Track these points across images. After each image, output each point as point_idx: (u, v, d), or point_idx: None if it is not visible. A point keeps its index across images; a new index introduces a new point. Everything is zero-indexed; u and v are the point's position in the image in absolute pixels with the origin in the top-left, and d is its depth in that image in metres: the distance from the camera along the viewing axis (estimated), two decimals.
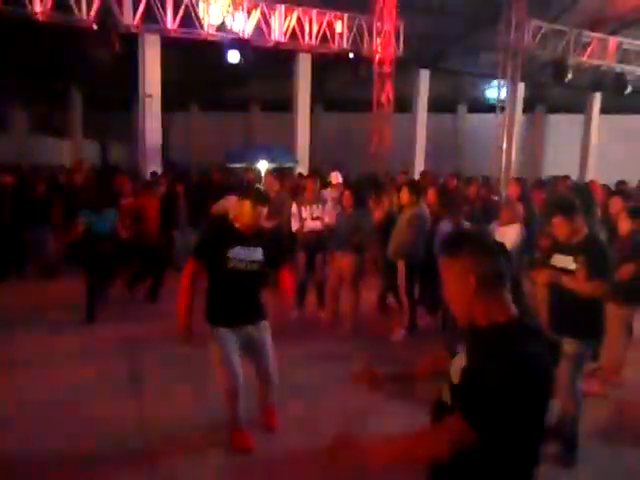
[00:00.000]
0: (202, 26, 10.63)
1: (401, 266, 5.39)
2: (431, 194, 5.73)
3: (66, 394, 4.03)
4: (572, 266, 3.17)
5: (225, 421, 3.32)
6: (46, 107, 19.43)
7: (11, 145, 17.40)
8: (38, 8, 9.39)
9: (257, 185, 3.51)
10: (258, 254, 3.16)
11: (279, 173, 7.24)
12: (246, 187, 3.88)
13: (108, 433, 3.49)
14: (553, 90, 16.95)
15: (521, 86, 13.62)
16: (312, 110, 14.45)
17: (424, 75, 16.26)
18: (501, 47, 12.12)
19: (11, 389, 4.09)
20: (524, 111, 15.53)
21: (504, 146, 12.32)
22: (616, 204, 5.08)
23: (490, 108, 13.85)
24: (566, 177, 11.10)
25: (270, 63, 12.83)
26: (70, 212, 7.87)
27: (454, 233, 2.03)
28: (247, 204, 3.09)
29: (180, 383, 4.23)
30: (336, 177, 7.64)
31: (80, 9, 9.61)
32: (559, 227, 3.28)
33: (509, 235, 5.26)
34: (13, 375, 4.35)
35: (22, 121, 19.39)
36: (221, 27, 10.77)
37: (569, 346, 3.19)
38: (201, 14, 10.55)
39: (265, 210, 3.16)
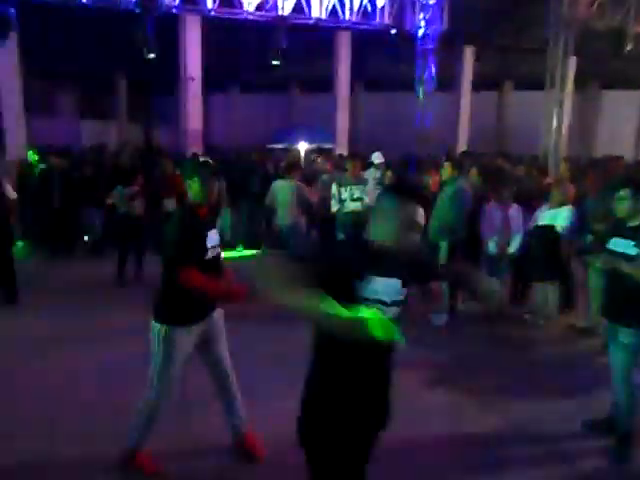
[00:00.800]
0: (242, 5, 10.54)
1: (444, 246, 5.22)
2: (473, 173, 5.52)
3: (113, 369, 4.14)
4: (632, 251, 2.96)
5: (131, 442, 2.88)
6: (93, 91, 19.95)
7: (60, 128, 17.98)
8: None
9: (205, 159, 3.09)
10: (217, 235, 2.86)
11: (326, 153, 7.12)
12: (193, 163, 3.28)
13: None
14: (609, 64, 15.96)
15: (573, 60, 12.88)
16: (353, 90, 14.22)
17: (469, 51, 15.65)
18: (553, 18, 11.46)
19: (59, 364, 4.25)
20: (576, 87, 14.73)
21: (554, 124, 11.74)
22: None
23: (539, 85, 13.21)
24: (619, 157, 10.52)
25: (310, 42, 12.65)
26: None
27: (389, 187, 2.49)
28: (196, 182, 2.72)
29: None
30: (379, 157, 7.51)
31: None
32: (623, 202, 3.04)
33: (560, 217, 5.03)
34: (62, 350, 4.51)
35: (70, 105, 19.98)
36: (261, 6, 10.65)
37: (625, 335, 3.00)
38: None
39: (216, 186, 2.82)
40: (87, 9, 9.97)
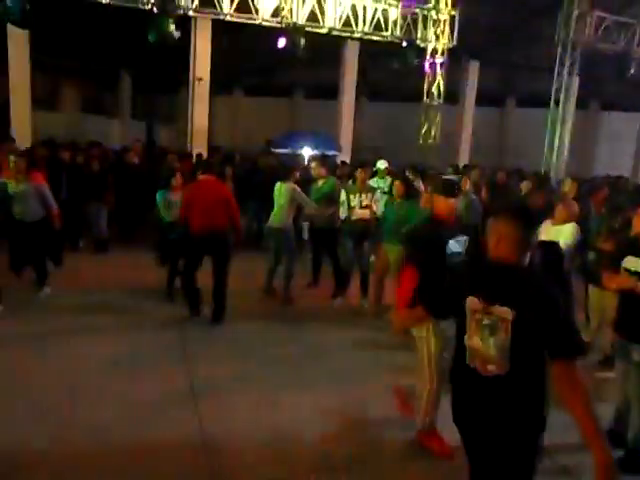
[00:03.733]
0: (257, 11, 10.64)
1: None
2: (485, 190, 5.59)
3: (106, 366, 4.19)
4: None
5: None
6: (97, 88, 19.98)
7: (62, 123, 17.95)
8: None
9: (451, 178, 3.75)
10: (459, 244, 3.20)
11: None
12: (441, 181, 3.77)
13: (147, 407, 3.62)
14: (610, 86, 16.21)
15: (576, 80, 13.11)
16: (357, 98, 14.33)
17: (473, 66, 15.84)
18: (559, 39, 11.67)
19: (50, 359, 4.29)
20: (577, 107, 14.97)
21: (556, 143, 11.94)
22: None
23: (541, 103, 13.41)
24: (620, 177, 10.71)
25: (317, 49, 12.75)
26: (121, 189, 8.11)
27: None
28: (441, 198, 3.21)
29: (225, 359, 4.38)
30: (384, 164, 7.55)
31: None
32: None
33: (563, 234, 5.11)
34: (61, 345, 4.56)
35: (73, 100, 19.97)
36: (275, 12, 10.75)
37: (639, 353, 3.06)
38: None
39: (454, 200, 3.26)
40: (96, 4, 9.90)
